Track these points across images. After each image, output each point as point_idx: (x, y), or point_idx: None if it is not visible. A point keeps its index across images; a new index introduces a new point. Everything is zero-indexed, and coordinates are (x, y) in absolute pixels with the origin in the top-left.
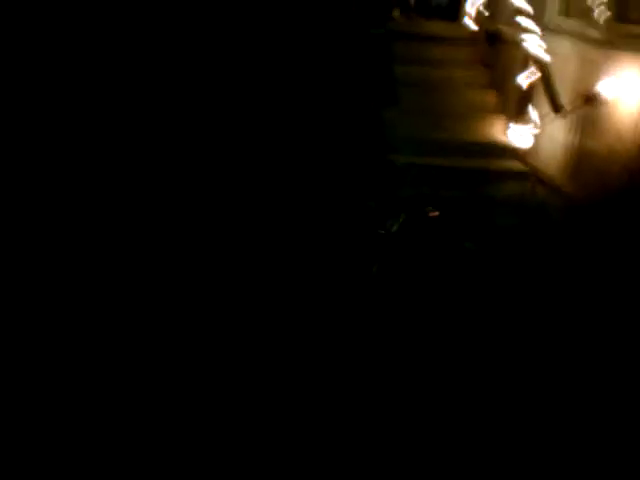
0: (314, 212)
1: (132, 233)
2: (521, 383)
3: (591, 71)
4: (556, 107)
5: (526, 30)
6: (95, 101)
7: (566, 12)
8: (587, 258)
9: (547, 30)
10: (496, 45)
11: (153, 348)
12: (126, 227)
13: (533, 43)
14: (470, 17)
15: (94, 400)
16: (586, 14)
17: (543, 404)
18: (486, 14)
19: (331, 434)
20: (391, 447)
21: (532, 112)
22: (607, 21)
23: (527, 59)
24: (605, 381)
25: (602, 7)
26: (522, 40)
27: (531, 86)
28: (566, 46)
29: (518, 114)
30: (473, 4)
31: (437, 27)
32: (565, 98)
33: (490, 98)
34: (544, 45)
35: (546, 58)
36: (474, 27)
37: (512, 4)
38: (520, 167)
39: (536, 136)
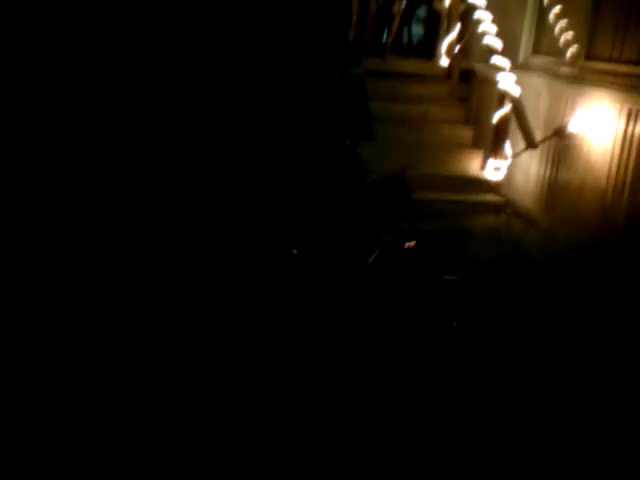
0: (291, 242)
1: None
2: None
3: (563, 106)
4: (530, 142)
5: (500, 68)
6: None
7: (539, 50)
8: (563, 294)
9: (520, 67)
10: (471, 82)
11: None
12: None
13: (507, 80)
14: (445, 55)
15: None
16: (558, 52)
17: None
18: (461, 52)
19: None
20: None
21: (507, 147)
22: (578, 58)
23: (501, 95)
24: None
25: (573, 45)
26: (496, 77)
27: (506, 121)
28: (539, 82)
29: (494, 148)
30: (448, 43)
31: (413, 65)
32: (539, 133)
33: (466, 133)
34: (517, 81)
35: (519, 94)
36: (449, 64)
37: (486, 43)
38: (497, 200)
39: (512, 170)
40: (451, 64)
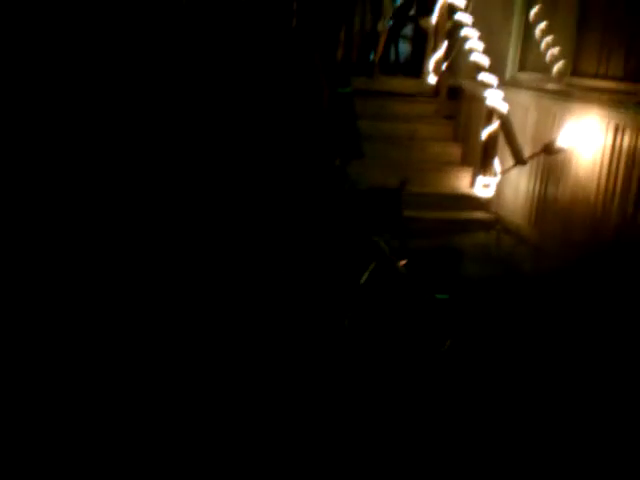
0: (282, 264)
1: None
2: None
3: (551, 122)
4: (519, 159)
5: (487, 85)
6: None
7: (526, 66)
8: (554, 310)
9: (508, 84)
10: (459, 99)
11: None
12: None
13: (494, 97)
14: (433, 73)
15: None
16: (545, 68)
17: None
18: (448, 70)
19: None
20: None
21: (496, 163)
22: (564, 74)
23: (489, 112)
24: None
25: (560, 61)
26: (484, 94)
27: (494, 138)
28: (526, 98)
29: (483, 165)
30: (435, 60)
31: (401, 83)
32: (527, 149)
33: (455, 150)
34: (505, 98)
35: (507, 110)
36: (437, 82)
37: (473, 60)
38: (487, 217)
39: (501, 187)
40: (439, 82)
